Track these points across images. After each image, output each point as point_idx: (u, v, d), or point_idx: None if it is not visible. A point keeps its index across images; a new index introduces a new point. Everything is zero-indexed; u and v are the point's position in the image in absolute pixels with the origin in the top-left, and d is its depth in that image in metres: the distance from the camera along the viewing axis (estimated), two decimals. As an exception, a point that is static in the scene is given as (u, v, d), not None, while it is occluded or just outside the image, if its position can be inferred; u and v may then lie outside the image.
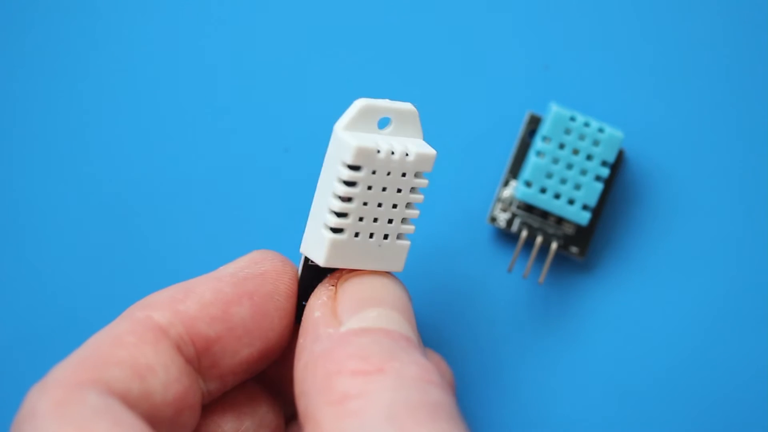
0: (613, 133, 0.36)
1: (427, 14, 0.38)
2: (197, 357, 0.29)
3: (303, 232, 0.31)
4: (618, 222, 0.38)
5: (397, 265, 0.31)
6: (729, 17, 0.38)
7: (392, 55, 0.38)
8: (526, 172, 0.36)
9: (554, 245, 0.37)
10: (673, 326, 0.37)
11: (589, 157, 0.36)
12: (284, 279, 0.31)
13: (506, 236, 0.38)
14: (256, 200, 0.38)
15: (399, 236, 0.31)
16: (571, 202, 0.36)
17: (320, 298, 0.30)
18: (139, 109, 0.38)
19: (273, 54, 0.38)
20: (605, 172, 0.36)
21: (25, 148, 0.38)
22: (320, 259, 0.30)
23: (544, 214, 0.37)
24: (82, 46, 0.38)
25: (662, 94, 0.38)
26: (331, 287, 0.30)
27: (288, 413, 0.33)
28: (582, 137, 0.36)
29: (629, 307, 0.37)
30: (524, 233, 0.37)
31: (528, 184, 0.36)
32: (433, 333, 0.37)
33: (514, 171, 0.37)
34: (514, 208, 0.37)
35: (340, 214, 0.30)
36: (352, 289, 0.30)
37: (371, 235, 0.30)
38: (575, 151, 0.36)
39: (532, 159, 0.36)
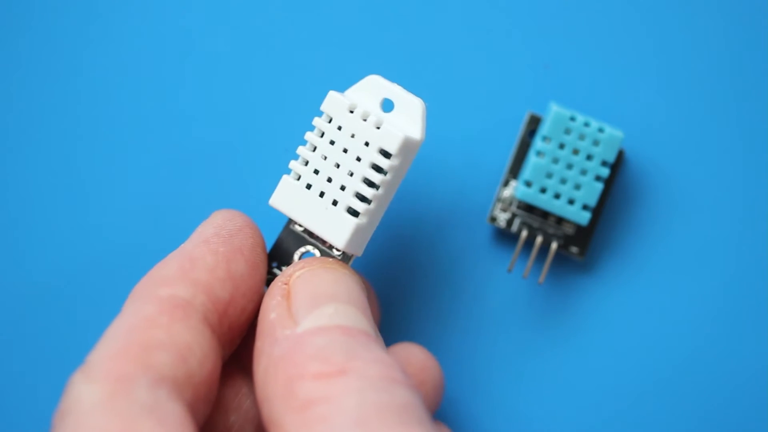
0: (613, 133, 0.36)
1: (427, 15, 0.38)
2: (218, 324, 0.29)
3: None
4: (618, 222, 0.38)
5: (339, 241, 0.30)
6: (729, 17, 0.38)
7: (393, 55, 0.38)
8: (526, 172, 0.36)
9: (554, 245, 0.37)
10: (672, 326, 0.37)
11: (589, 157, 0.36)
12: (257, 232, 0.31)
13: (506, 236, 0.38)
14: (256, 200, 0.38)
15: (350, 210, 0.31)
16: (571, 202, 0.36)
17: (275, 297, 0.29)
18: (138, 109, 0.38)
19: (275, 54, 0.38)
20: (605, 172, 0.36)
21: (18, 138, 0.38)
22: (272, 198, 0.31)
23: (544, 214, 0.37)
24: (78, 41, 0.38)
25: (662, 94, 0.38)
26: (284, 285, 0.30)
27: None
28: (582, 137, 0.36)
29: (629, 307, 0.37)
30: (524, 233, 0.37)
31: (528, 184, 0.36)
32: (432, 333, 0.37)
33: (514, 171, 0.37)
34: (514, 208, 0.37)
35: (302, 160, 0.31)
36: (304, 286, 0.29)
37: (322, 194, 0.31)
38: (575, 151, 0.36)
39: (532, 159, 0.36)
